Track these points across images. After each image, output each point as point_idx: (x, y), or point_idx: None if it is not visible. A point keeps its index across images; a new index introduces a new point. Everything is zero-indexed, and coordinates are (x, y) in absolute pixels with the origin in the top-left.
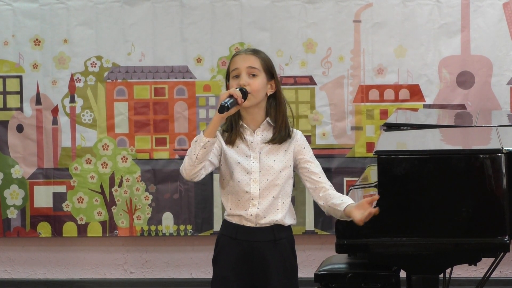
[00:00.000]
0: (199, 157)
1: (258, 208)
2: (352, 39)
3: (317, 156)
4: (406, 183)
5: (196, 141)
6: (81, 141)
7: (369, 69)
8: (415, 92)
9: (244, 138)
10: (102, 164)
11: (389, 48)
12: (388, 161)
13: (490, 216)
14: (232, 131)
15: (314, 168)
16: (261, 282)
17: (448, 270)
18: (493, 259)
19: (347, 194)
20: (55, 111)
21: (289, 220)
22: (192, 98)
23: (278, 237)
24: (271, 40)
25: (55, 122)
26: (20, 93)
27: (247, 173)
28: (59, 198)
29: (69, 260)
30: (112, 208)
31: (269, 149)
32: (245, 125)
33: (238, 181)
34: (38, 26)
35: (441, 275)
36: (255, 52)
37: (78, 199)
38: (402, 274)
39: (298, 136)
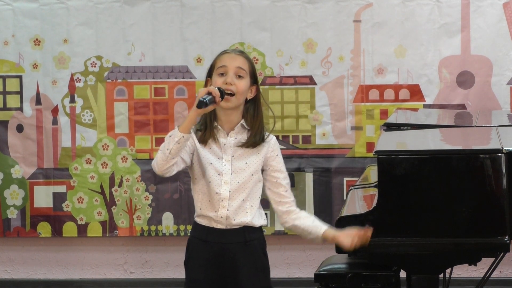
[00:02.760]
0: (172, 152)
1: (228, 210)
2: (352, 39)
3: (317, 156)
4: (406, 183)
5: (170, 135)
6: (81, 141)
7: (369, 69)
8: (415, 92)
9: (217, 140)
10: (102, 164)
11: (389, 48)
12: (388, 161)
13: (490, 216)
14: (205, 130)
15: (282, 180)
16: (232, 284)
17: (448, 270)
18: (493, 259)
19: (347, 194)
20: (55, 111)
21: (259, 222)
22: (192, 98)
23: (249, 238)
24: (271, 40)
25: (55, 122)
26: (20, 93)
27: (219, 174)
28: (59, 198)
29: (69, 260)
30: (112, 208)
31: (241, 153)
32: (219, 126)
33: (209, 181)
34: (38, 26)
35: (441, 275)
36: (244, 54)
37: (78, 199)
38: (402, 274)
39: (272, 141)
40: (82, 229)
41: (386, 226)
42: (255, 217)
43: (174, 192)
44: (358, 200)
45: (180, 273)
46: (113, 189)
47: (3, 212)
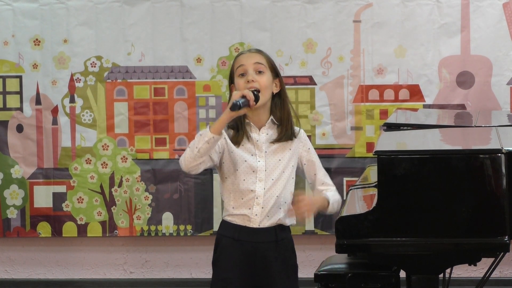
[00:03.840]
0: (201, 151)
1: (262, 208)
2: (352, 39)
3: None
4: (406, 183)
5: (201, 134)
6: (81, 141)
7: (369, 69)
8: (415, 92)
9: (250, 137)
10: (102, 164)
11: (389, 48)
12: (388, 161)
13: (490, 216)
14: (238, 130)
15: (321, 176)
16: (264, 283)
17: (448, 270)
18: (493, 259)
19: (346, 194)
20: (55, 111)
21: (289, 220)
22: (192, 98)
23: (280, 238)
24: (271, 40)
25: (55, 122)
26: (20, 93)
27: (253, 171)
28: (59, 198)
29: (69, 260)
30: (112, 208)
31: (275, 148)
32: (251, 123)
33: (244, 179)
34: (38, 26)
35: (441, 275)
36: (259, 51)
37: (78, 199)
38: (402, 274)
39: (302, 136)
40: (82, 229)
41: (386, 226)
42: (286, 215)
43: (174, 192)
44: (358, 200)
45: (180, 273)
46: (113, 189)
47: (3, 212)
